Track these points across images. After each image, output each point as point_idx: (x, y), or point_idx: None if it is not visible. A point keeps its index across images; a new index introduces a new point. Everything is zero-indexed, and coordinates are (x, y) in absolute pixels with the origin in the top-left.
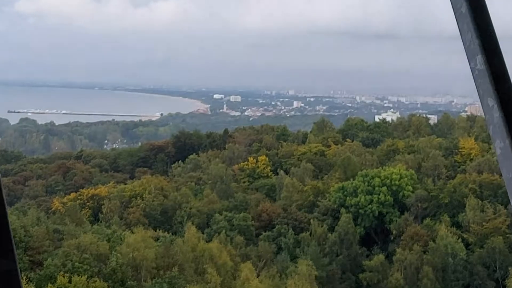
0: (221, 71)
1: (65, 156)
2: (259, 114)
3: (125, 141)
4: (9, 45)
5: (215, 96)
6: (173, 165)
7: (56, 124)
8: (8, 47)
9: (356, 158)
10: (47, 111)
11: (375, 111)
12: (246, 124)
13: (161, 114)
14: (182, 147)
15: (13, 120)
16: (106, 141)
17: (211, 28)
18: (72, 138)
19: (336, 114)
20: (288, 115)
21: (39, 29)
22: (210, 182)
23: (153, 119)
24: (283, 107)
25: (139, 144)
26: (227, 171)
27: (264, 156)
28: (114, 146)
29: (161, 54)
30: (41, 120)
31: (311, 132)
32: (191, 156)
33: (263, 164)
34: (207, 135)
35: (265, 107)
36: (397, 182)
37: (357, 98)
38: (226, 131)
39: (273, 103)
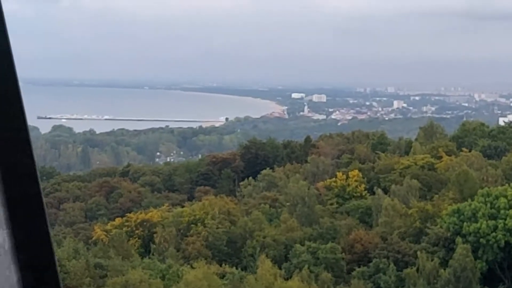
0: (300, 64)
1: (108, 172)
2: (350, 117)
3: (182, 153)
4: (37, 34)
5: (294, 95)
6: (241, 183)
7: (97, 132)
8: (36, 37)
9: (475, 172)
10: (85, 116)
11: (499, 112)
12: (333, 130)
13: (226, 119)
14: (253, 160)
15: (44, 128)
16: (158, 153)
17: (288, 10)
18: (116, 150)
19: (448, 116)
20: (386, 119)
21: (75, 15)
22: (288, 204)
23: (217, 125)
24: (380, 109)
25: (199, 156)
26: (310, 190)
27: (357, 170)
28: (168, 160)
29: (226, 44)
30: (78, 128)
31: (416, 139)
32: (264, 172)
33: (356, 181)
34: (284, 145)
35: (357, 108)
36: None
37: (476, 96)
38: (308, 139)
39: (367, 103)
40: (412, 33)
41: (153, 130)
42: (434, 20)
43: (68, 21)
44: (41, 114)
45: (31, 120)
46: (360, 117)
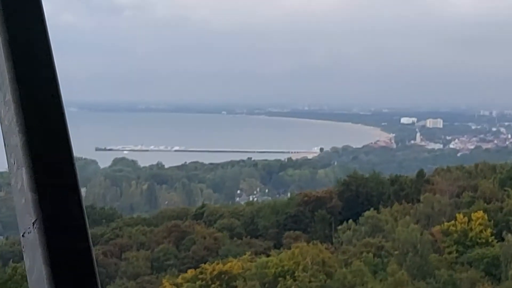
0: (411, 82)
1: (178, 214)
2: (472, 146)
3: (267, 190)
4: (96, 51)
5: (403, 120)
6: (339, 227)
7: (166, 166)
8: (95, 54)
9: None
10: (152, 147)
11: None
12: (452, 163)
13: (321, 150)
14: (353, 199)
15: (104, 161)
16: (238, 191)
17: (398, 16)
18: (188, 188)
19: None
20: None
21: (140, 26)
22: (397, 252)
23: (309, 156)
24: (509, 136)
25: (288, 195)
26: (423, 235)
27: (481, 212)
28: (250, 199)
29: (319, 58)
30: (143, 161)
31: None
32: (367, 213)
33: (480, 224)
34: (391, 180)
35: (481, 135)
36: None
37: None
38: (421, 173)
39: (493, 129)
40: None
41: (232, 163)
42: None
43: (132, 34)
44: (99, 145)
45: (88, 152)
46: (485, 146)
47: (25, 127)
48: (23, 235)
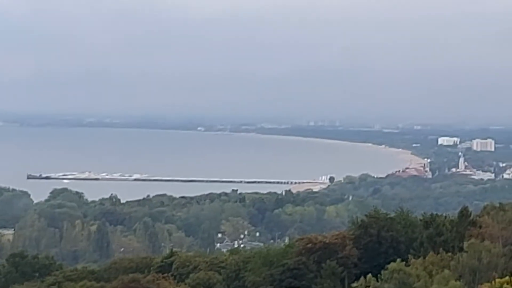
0: (453, 90)
1: (138, 265)
2: None
3: (257, 234)
4: (27, 39)
5: (442, 140)
6: (355, 284)
7: (122, 201)
8: (25, 43)
9: None
10: (103, 175)
11: None
12: (506, 198)
13: (331, 179)
14: (374, 246)
15: (39, 193)
16: (219, 235)
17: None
18: (152, 229)
19: None
20: None
21: (96, 10)
22: None
23: (315, 188)
24: None
25: (286, 240)
26: None
27: None
28: (235, 245)
29: (331, 56)
30: (92, 194)
31: None
32: (392, 265)
33: None
34: (425, 222)
35: None
36: None
37: None
38: (464, 212)
39: None
40: None
41: (211, 197)
42: None
43: (83, 20)
44: (33, 171)
45: (18, 181)
46: None
47: None
48: None
